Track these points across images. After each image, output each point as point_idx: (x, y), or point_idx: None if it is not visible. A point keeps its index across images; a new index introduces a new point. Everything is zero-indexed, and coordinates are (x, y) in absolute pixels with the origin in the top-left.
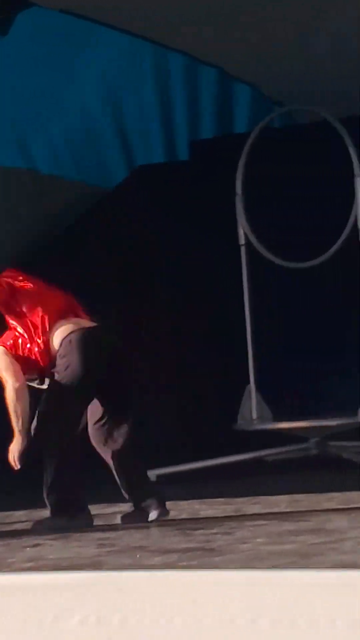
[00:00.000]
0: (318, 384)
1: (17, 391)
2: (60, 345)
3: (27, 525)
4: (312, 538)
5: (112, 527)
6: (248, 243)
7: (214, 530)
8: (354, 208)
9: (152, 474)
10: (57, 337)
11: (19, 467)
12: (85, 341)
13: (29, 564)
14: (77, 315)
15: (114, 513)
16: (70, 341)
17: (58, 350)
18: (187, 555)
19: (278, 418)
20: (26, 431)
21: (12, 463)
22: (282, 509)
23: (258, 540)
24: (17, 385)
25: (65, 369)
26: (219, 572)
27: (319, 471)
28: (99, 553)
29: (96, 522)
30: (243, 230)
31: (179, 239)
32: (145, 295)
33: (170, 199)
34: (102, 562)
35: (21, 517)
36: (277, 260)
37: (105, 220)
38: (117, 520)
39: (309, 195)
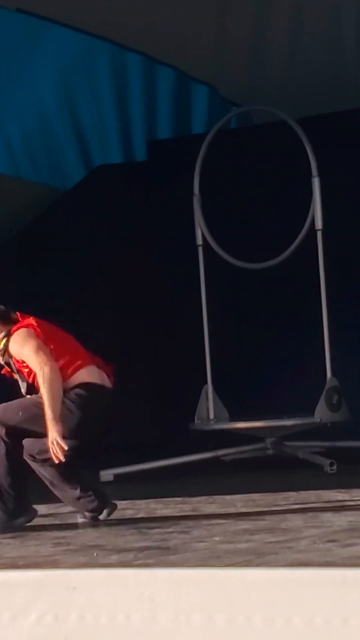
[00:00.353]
0: (275, 384)
1: (56, 371)
2: (76, 387)
3: None
4: (268, 537)
5: (69, 526)
6: (205, 243)
7: (170, 529)
8: (312, 208)
9: (110, 473)
10: (80, 376)
11: (63, 455)
12: (93, 402)
13: None
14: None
15: (70, 512)
16: (82, 394)
17: (70, 388)
18: (143, 553)
19: (234, 418)
20: (58, 415)
21: (56, 454)
22: (238, 508)
23: (214, 539)
24: (55, 365)
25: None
26: (175, 571)
27: (275, 471)
28: (55, 552)
29: (52, 521)
30: (200, 230)
31: (136, 240)
32: (101, 295)
33: (127, 199)
34: (59, 561)
35: None
36: (234, 261)
37: (62, 221)
38: (74, 519)
39: (267, 195)
